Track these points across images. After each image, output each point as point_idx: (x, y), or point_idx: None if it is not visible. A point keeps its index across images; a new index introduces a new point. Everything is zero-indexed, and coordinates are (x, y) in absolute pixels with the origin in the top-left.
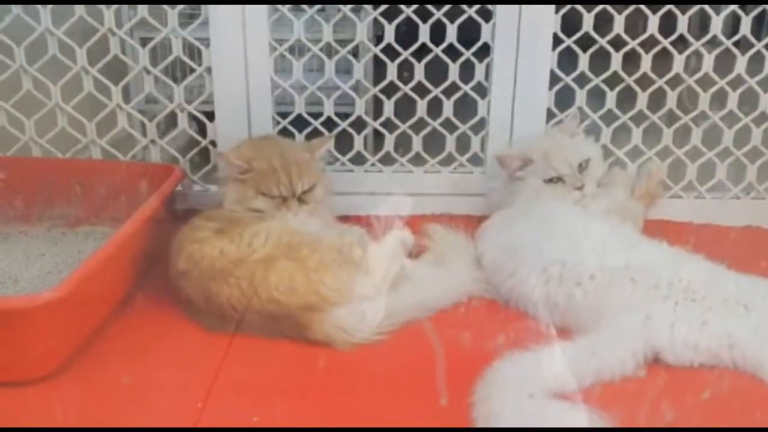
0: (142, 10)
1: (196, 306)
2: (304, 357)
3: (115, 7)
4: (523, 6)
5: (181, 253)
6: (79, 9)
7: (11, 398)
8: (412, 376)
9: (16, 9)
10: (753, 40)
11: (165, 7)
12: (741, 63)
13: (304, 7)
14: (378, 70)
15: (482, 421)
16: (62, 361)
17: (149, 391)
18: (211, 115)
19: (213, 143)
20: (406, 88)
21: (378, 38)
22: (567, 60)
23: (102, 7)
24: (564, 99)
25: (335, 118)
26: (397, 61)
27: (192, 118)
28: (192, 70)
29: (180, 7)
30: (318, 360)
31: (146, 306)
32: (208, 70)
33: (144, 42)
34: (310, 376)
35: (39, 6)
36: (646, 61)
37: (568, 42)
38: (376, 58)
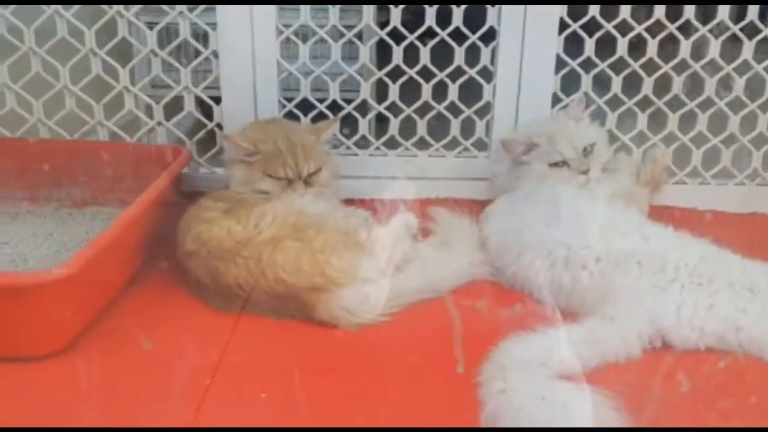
0: None
1: (204, 286)
2: (310, 337)
3: None
4: None
5: (188, 234)
6: None
7: (20, 373)
8: (417, 356)
9: None
10: (760, 25)
11: None
12: (748, 49)
13: None
14: (381, 55)
15: (488, 400)
16: (71, 338)
17: (157, 368)
18: (217, 99)
19: (219, 126)
20: (412, 72)
21: (381, 25)
22: (573, 45)
23: None
24: (570, 84)
25: (341, 102)
26: (403, 44)
27: (198, 101)
28: (198, 54)
29: None
30: (324, 340)
31: (154, 286)
32: (215, 53)
33: (151, 25)
34: (316, 356)
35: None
36: (652, 47)
37: (575, 27)
38: (379, 43)
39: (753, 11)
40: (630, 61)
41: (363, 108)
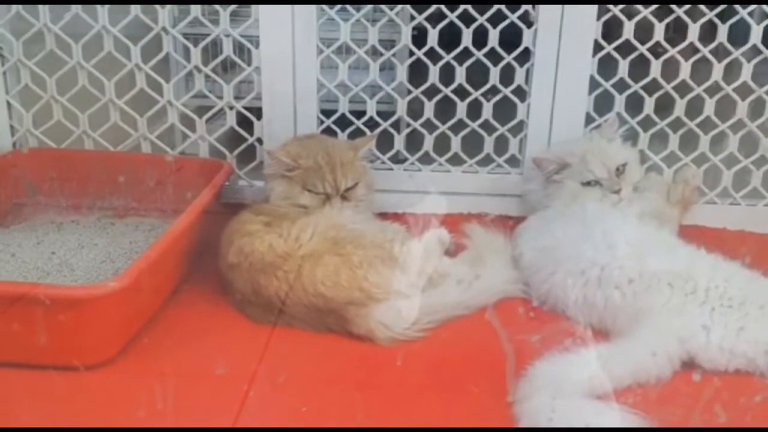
0: (195, 9)
1: (245, 298)
2: (348, 350)
3: (169, 6)
4: (565, 12)
5: (231, 246)
6: (135, 8)
7: (71, 381)
8: (451, 372)
9: (75, 7)
10: None
11: (216, 5)
12: None
13: (351, 9)
14: (415, 71)
15: (524, 418)
16: (121, 346)
17: (198, 378)
18: (256, 112)
19: (259, 140)
20: (447, 91)
21: (414, 37)
22: (607, 66)
23: (157, 6)
24: (603, 104)
25: (377, 118)
26: (440, 64)
27: (238, 115)
28: (240, 69)
29: (231, 5)
30: (361, 354)
31: (196, 296)
32: (257, 69)
33: (195, 40)
34: (353, 369)
35: (98, 5)
36: (685, 69)
37: (609, 49)
38: (414, 60)
39: None
40: (663, 82)
41: (398, 124)
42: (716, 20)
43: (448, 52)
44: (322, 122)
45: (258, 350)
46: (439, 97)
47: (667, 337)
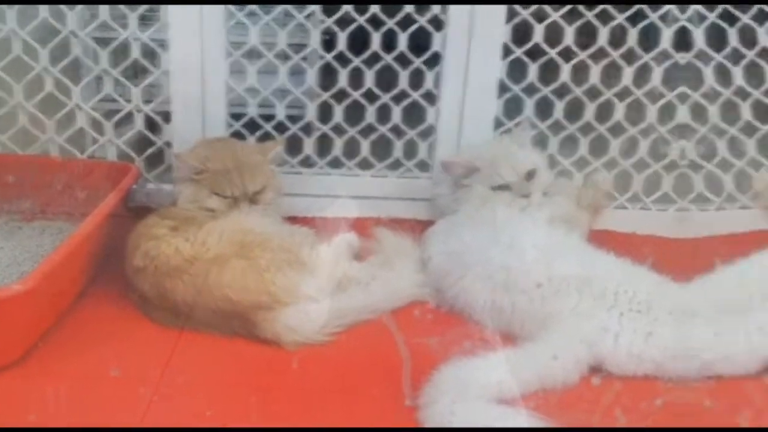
0: (104, 12)
1: (151, 302)
2: (254, 354)
3: (78, 8)
4: (475, 16)
5: (137, 250)
6: (43, 11)
7: None
8: (357, 376)
9: None
10: (712, 53)
11: (125, 9)
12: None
13: (260, 12)
14: (326, 75)
15: (427, 423)
16: (25, 350)
17: (103, 382)
18: (165, 116)
19: (168, 144)
20: (357, 95)
21: (326, 42)
22: (516, 70)
23: (65, 9)
24: (512, 108)
25: (286, 122)
26: (349, 68)
27: (147, 118)
28: (145, 71)
29: (140, 9)
30: (266, 357)
31: (102, 300)
32: (166, 72)
33: (104, 43)
34: (257, 373)
35: (5, 6)
36: (595, 73)
37: (518, 53)
38: (324, 64)
39: (699, 39)
40: (573, 87)
41: (308, 128)
42: (626, 24)
43: (358, 56)
44: (231, 126)
45: (164, 354)
46: (348, 101)
47: (575, 342)
